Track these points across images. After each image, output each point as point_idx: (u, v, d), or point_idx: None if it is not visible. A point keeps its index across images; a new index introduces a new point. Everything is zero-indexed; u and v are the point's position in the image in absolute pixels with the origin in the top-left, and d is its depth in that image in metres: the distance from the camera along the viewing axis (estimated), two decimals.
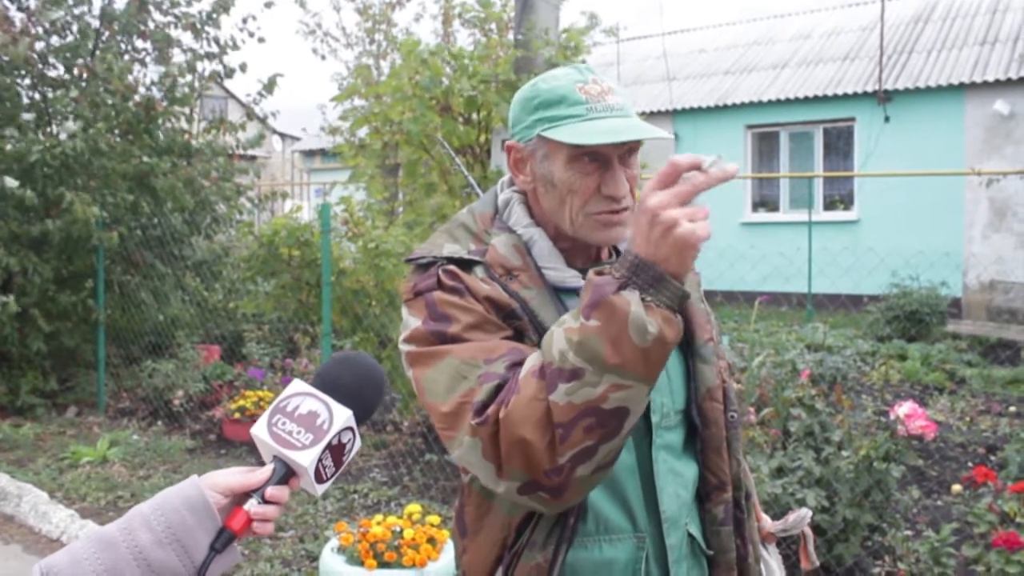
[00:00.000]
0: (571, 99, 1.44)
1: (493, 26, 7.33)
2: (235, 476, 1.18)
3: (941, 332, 10.67)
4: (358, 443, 1.22)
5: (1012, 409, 7.65)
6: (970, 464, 5.71)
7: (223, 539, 1.13)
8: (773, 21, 17.37)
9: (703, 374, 1.56)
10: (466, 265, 1.48)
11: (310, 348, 7.36)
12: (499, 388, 1.35)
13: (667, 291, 1.24)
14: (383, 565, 4.01)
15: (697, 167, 1.22)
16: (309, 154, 21.09)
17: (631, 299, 1.23)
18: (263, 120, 9.76)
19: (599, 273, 1.28)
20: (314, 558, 4.67)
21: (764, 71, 15.30)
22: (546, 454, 1.29)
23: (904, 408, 3.93)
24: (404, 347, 1.49)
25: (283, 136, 22.27)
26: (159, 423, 7.55)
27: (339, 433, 1.18)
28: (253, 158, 22.16)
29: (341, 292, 6.18)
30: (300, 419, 1.18)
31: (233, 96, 18.41)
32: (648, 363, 1.25)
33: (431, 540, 4.13)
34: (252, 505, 1.16)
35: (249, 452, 6.71)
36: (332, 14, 30.55)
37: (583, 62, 6.75)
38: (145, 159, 7.89)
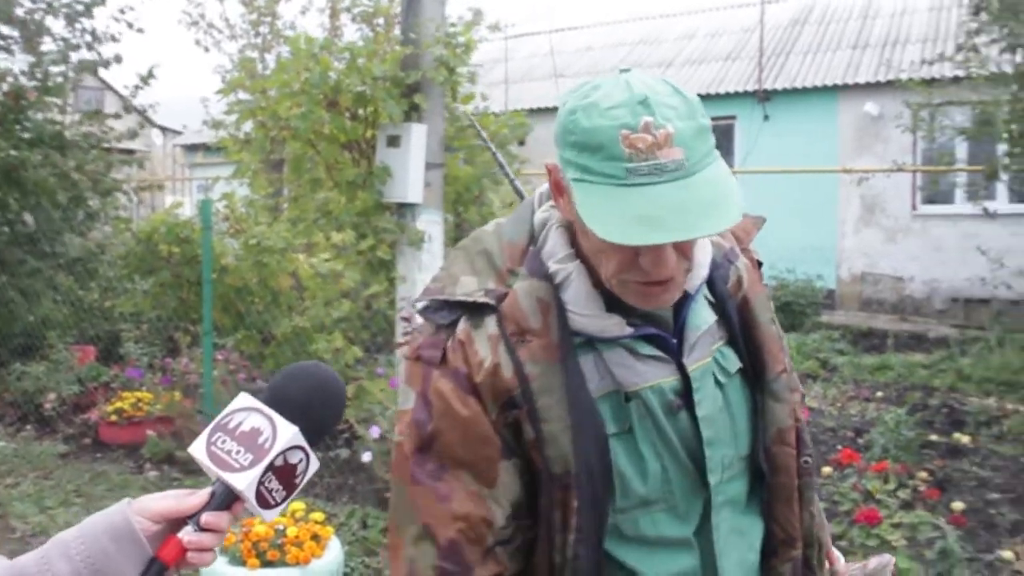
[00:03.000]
0: (610, 151, 1.10)
1: (381, 20, 7.27)
2: (167, 501, 1.06)
3: (816, 322, 11.16)
4: (314, 464, 1.10)
5: (879, 394, 8.07)
6: (839, 447, 6.00)
7: (153, 571, 1.02)
8: (659, 21, 17.76)
9: (774, 413, 1.32)
10: (477, 312, 1.25)
11: (191, 347, 7.17)
12: None
13: None
14: (266, 564, 3.97)
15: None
16: (191, 148, 20.48)
17: None
18: (142, 113, 9.43)
19: None
20: None
21: (649, 69, 15.59)
22: None
23: None
24: (397, 435, 1.32)
25: (164, 130, 21.57)
26: (28, 428, 7.22)
27: (284, 453, 1.06)
28: (132, 152, 21.43)
29: (223, 290, 6.05)
30: (241, 437, 1.06)
31: (110, 87, 17.72)
32: None
33: (315, 537, 4.11)
34: (187, 533, 1.04)
35: (127, 455, 6.52)
36: (216, 5, 29.71)
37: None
38: (12, 152, 7.53)
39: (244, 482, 1.04)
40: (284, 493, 1.07)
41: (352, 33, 9.14)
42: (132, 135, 8.53)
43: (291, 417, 1.07)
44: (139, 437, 6.54)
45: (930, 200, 12.47)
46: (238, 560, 3.97)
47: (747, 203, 1.16)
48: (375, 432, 4.98)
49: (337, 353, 5.70)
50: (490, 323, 1.25)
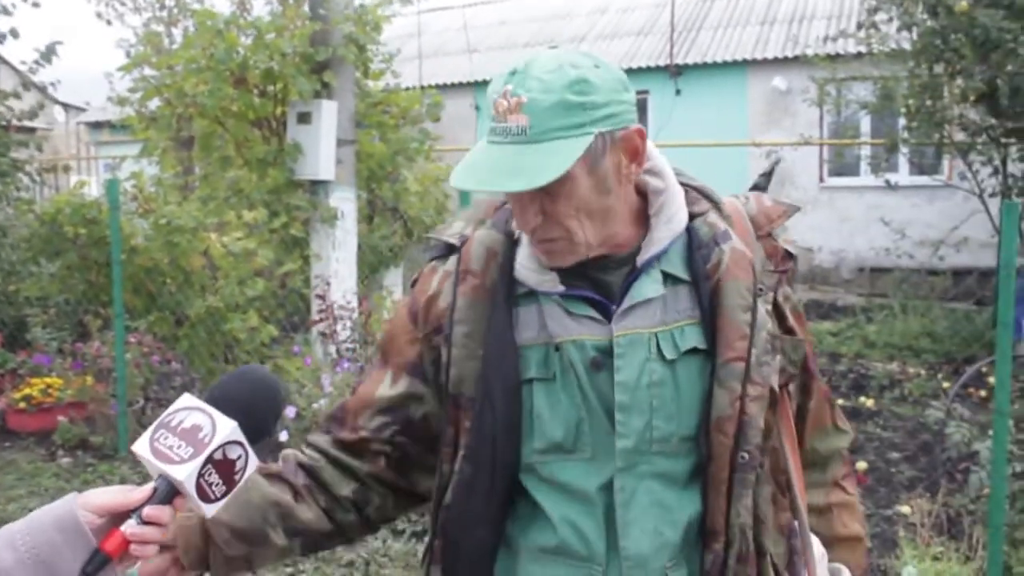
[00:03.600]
0: (488, 112, 1.29)
1: None
2: (112, 495, 1.11)
3: None
4: (253, 461, 1.15)
5: None
6: None
7: (96, 562, 1.06)
8: None
9: (716, 400, 1.33)
10: (449, 251, 1.46)
11: (102, 331, 7.00)
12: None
13: None
14: None
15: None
16: (96, 126, 19.83)
17: None
18: (42, 90, 9.10)
19: None
20: None
21: (562, 44, 15.69)
22: None
23: None
24: None
25: (66, 107, 20.80)
26: None
27: (224, 447, 1.12)
28: (33, 130, 20.62)
29: (133, 271, 5.92)
30: (183, 433, 1.12)
31: (7, 62, 16.99)
32: None
33: None
34: (129, 526, 1.09)
35: (37, 443, 6.36)
36: None
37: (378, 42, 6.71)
38: None
39: (184, 473, 1.09)
40: (224, 488, 1.13)
41: (261, 8, 8.98)
42: (32, 114, 8.22)
43: (230, 414, 1.14)
44: (50, 424, 6.39)
45: (837, 173, 12.86)
46: None
47: None
48: (291, 412, 4.96)
49: (252, 332, 5.66)
50: (451, 261, 1.44)
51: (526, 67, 1.27)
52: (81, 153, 20.24)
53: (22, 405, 6.51)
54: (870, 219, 11.83)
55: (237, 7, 11.82)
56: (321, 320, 5.81)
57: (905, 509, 4.82)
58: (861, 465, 5.47)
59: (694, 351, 1.35)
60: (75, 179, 9.88)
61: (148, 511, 1.09)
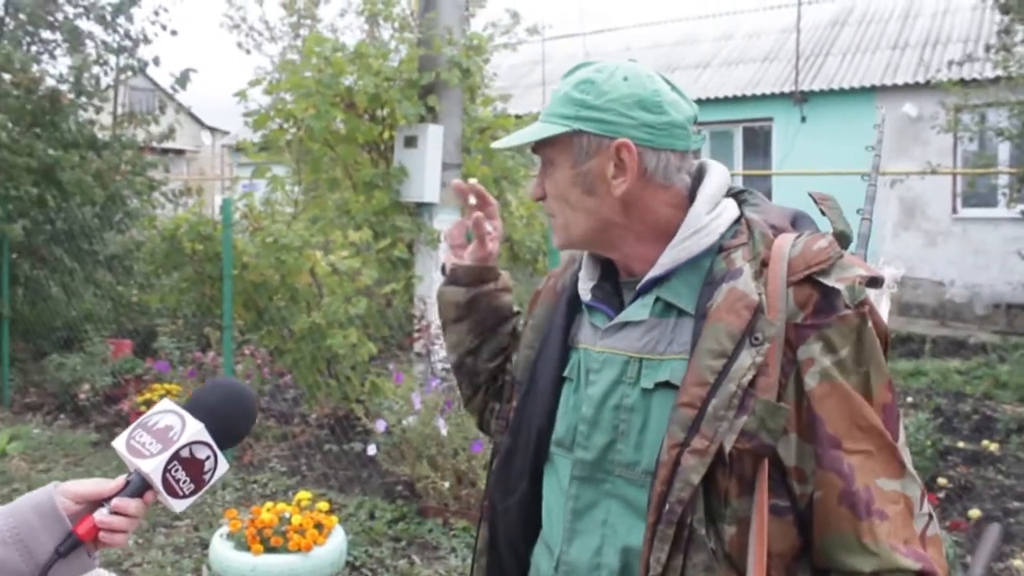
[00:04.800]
0: None
1: (396, 24, 7.41)
2: (88, 485, 1.22)
3: None
4: (222, 464, 1.24)
5: (909, 400, 7.97)
6: None
7: (68, 544, 1.16)
8: (697, 22, 17.67)
9: (663, 440, 1.25)
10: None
11: (220, 342, 7.37)
12: None
13: None
14: (269, 550, 4.09)
15: None
16: (237, 149, 20.91)
17: None
18: (191, 113, 9.68)
19: None
20: (207, 545, 4.72)
21: (686, 71, 15.57)
22: None
23: None
24: None
25: (212, 130, 22.02)
26: (63, 417, 7.50)
27: (191, 446, 1.21)
28: (182, 152, 21.91)
29: (244, 286, 6.21)
30: (156, 432, 1.22)
31: (161, 88, 18.15)
32: None
33: (318, 526, 4.22)
34: (101, 514, 1.19)
35: None
36: (256, 8, 30.21)
37: (486, 61, 6.87)
38: (51, 152, 7.81)
39: (151, 466, 1.19)
40: (193, 486, 1.22)
41: (388, 35, 9.29)
42: (164, 136, 8.75)
43: (201, 418, 1.23)
44: None
45: (971, 203, 12.25)
46: (244, 545, 4.10)
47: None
48: (381, 426, 5.08)
49: (353, 349, 5.82)
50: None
51: (579, 69, 1.41)
52: (224, 173, 21.34)
53: (143, 408, 6.88)
54: (1007, 252, 11.23)
55: (368, 35, 12.28)
56: (418, 339, 5.94)
57: (1020, 563, 4.52)
58: (975, 513, 5.18)
59: (668, 386, 1.29)
60: (219, 199, 10.44)
61: (116, 502, 1.19)
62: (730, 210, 1.37)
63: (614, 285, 1.44)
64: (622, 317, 1.37)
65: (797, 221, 1.37)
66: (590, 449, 1.36)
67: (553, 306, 1.53)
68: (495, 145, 1.52)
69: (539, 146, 1.41)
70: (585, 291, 1.46)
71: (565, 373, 1.45)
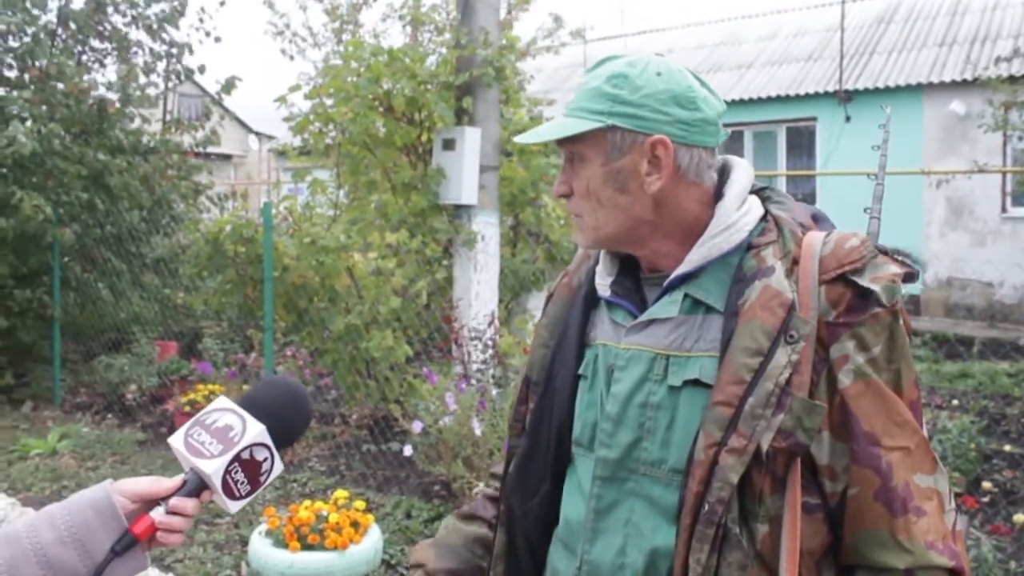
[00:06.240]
0: None
1: (433, 27, 7.47)
2: (146, 483, 1.20)
3: None
4: (278, 465, 1.22)
5: (955, 402, 7.83)
6: None
7: (124, 542, 1.14)
8: (740, 22, 17.54)
9: (698, 441, 1.24)
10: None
11: (262, 344, 7.49)
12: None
13: None
14: (306, 548, 4.16)
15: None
16: (281, 154, 21.18)
17: None
18: (237, 119, 9.86)
19: None
20: (247, 543, 4.81)
21: (730, 71, 15.47)
22: None
23: None
24: None
25: (259, 135, 22.36)
26: (111, 417, 7.68)
27: (251, 448, 1.19)
28: (229, 157, 22.29)
29: (284, 288, 6.31)
30: (215, 432, 1.20)
31: (208, 94, 18.50)
32: None
33: (355, 524, 4.28)
34: (158, 513, 1.17)
35: None
36: (299, 14, 30.53)
37: (520, 60, 6.90)
38: (101, 157, 8.01)
39: (212, 467, 1.17)
40: (249, 488, 1.21)
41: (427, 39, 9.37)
42: (207, 141, 8.92)
43: (260, 418, 1.22)
44: None
45: (1021, 202, 12.01)
46: (281, 543, 4.18)
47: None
48: (417, 427, 5.14)
49: (389, 350, 5.88)
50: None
51: (606, 62, 1.38)
52: (271, 178, 21.65)
53: (187, 408, 7.02)
54: None
55: (411, 39, 12.38)
56: (453, 340, 5.99)
57: None
58: (1019, 518, 5.08)
59: (697, 384, 1.28)
60: (264, 202, 10.65)
61: (174, 501, 1.18)
62: (756, 207, 1.37)
63: (633, 281, 1.42)
64: (649, 314, 1.35)
65: (818, 219, 1.38)
66: (614, 447, 1.34)
67: (569, 303, 1.50)
68: (519, 139, 1.45)
69: (566, 141, 1.35)
70: (604, 287, 1.43)
71: (580, 371, 1.43)
